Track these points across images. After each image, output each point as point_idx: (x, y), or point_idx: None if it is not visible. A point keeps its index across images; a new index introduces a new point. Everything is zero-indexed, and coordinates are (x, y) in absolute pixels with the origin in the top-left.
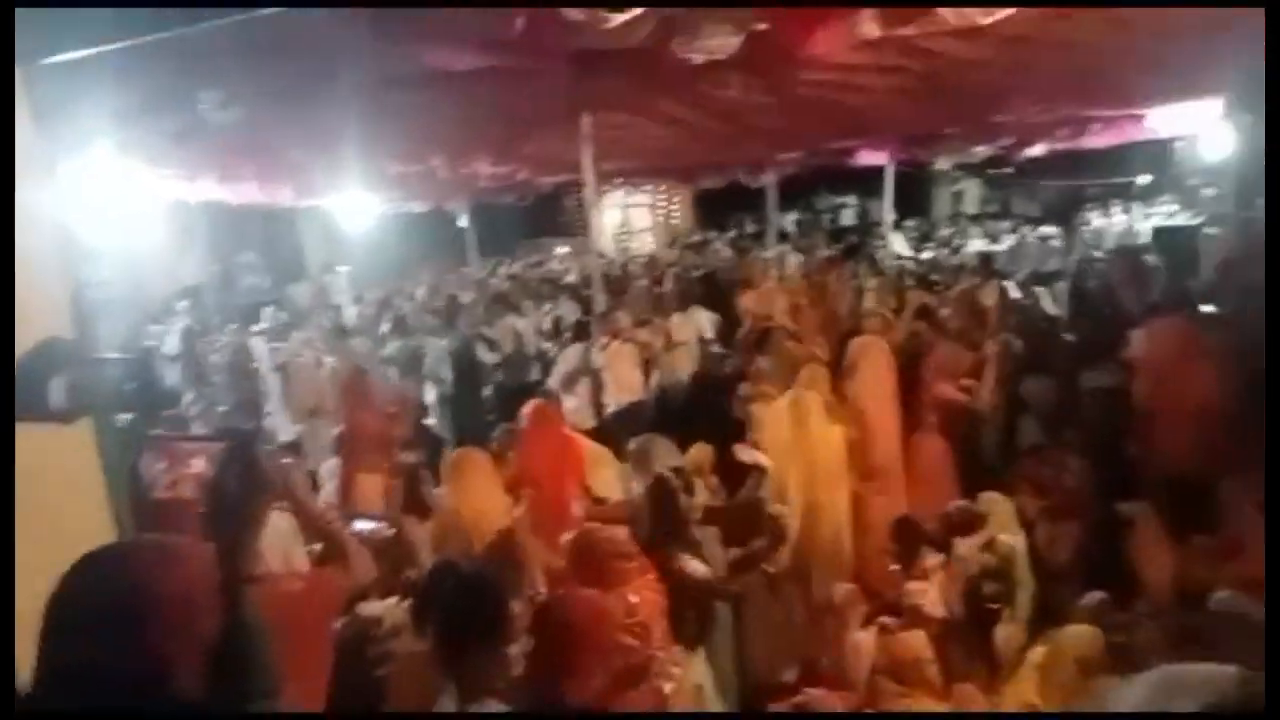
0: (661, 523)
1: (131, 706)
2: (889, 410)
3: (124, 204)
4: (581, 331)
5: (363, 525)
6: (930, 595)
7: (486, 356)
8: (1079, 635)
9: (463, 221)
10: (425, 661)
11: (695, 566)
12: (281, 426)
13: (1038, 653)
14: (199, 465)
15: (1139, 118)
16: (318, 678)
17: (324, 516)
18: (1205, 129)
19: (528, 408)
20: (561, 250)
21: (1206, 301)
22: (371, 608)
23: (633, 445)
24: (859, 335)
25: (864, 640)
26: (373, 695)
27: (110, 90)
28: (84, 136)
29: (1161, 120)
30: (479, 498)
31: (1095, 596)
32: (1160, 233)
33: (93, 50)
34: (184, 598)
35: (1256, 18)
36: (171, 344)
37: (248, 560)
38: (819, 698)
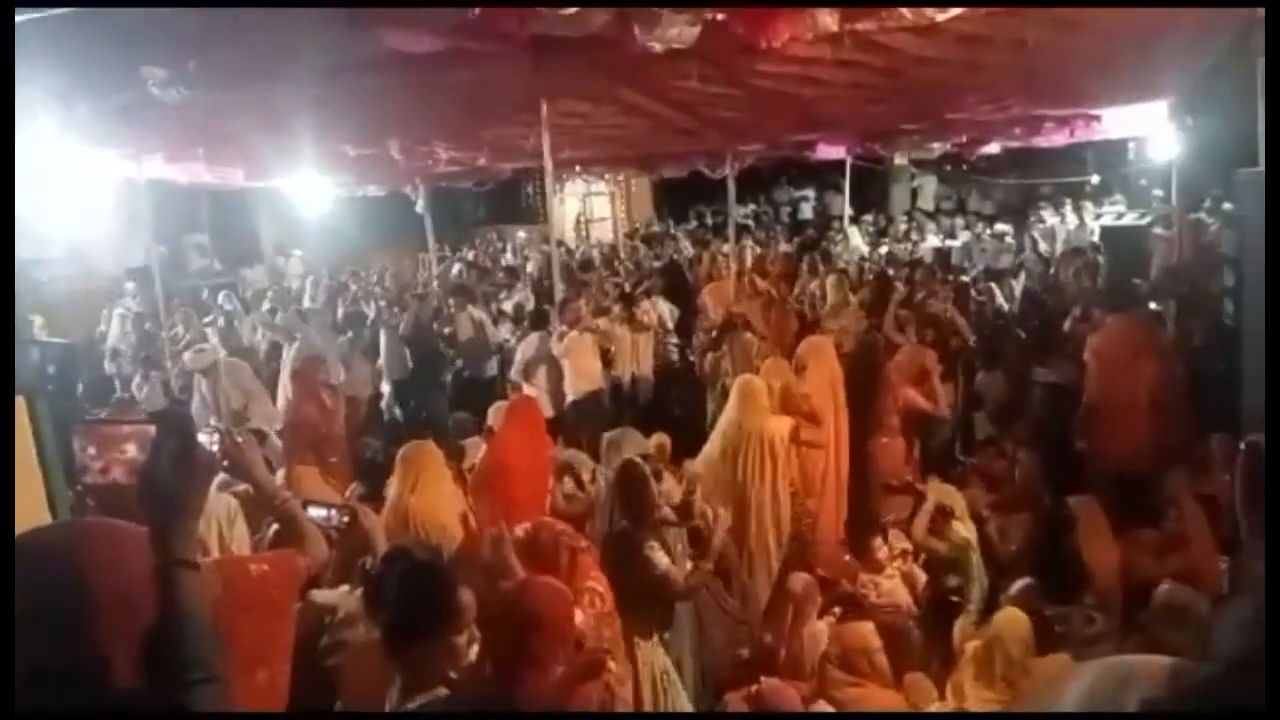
0: (629, 509)
1: (58, 693)
2: (835, 409)
3: (67, 181)
4: (540, 320)
5: (317, 512)
6: (883, 586)
7: (444, 347)
8: (1011, 620)
9: (420, 207)
10: (378, 651)
11: (659, 559)
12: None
13: (974, 644)
14: (132, 449)
15: (1092, 118)
16: (283, 661)
17: (279, 495)
18: (1155, 131)
19: (510, 401)
20: (521, 237)
21: (1152, 300)
22: (326, 596)
23: (607, 438)
24: (815, 333)
25: (819, 630)
26: (323, 686)
27: (51, 61)
28: (23, 110)
29: (1114, 121)
30: (429, 491)
31: (1022, 583)
32: (1108, 232)
33: (31, 15)
34: (116, 580)
35: (1197, 22)
36: (115, 329)
37: (183, 544)
38: (775, 686)
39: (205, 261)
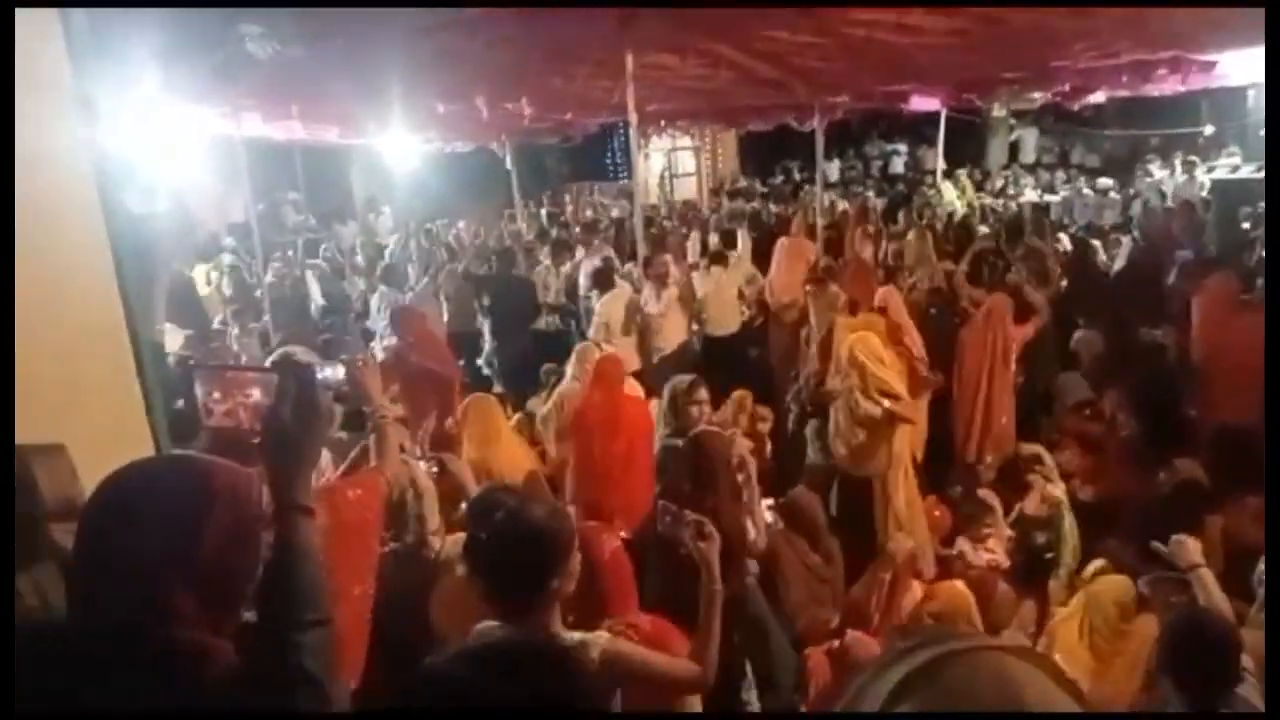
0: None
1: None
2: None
3: (170, 140)
4: (626, 277)
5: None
6: (986, 552)
7: (534, 299)
8: (1115, 583)
9: (508, 163)
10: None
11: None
12: None
13: (1076, 601)
14: (257, 395)
15: (1209, 64)
16: (373, 575)
17: (382, 409)
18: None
19: (591, 360)
20: (606, 193)
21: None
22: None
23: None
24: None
25: (914, 591)
26: (416, 619)
27: (153, 23)
28: (128, 72)
29: (1233, 66)
30: (491, 444)
31: (1099, 563)
32: (1220, 186)
33: None
34: (233, 517)
35: None
36: (217, 278)
37: (301, 490)
38: (858, 638)
39: (300, 217)
